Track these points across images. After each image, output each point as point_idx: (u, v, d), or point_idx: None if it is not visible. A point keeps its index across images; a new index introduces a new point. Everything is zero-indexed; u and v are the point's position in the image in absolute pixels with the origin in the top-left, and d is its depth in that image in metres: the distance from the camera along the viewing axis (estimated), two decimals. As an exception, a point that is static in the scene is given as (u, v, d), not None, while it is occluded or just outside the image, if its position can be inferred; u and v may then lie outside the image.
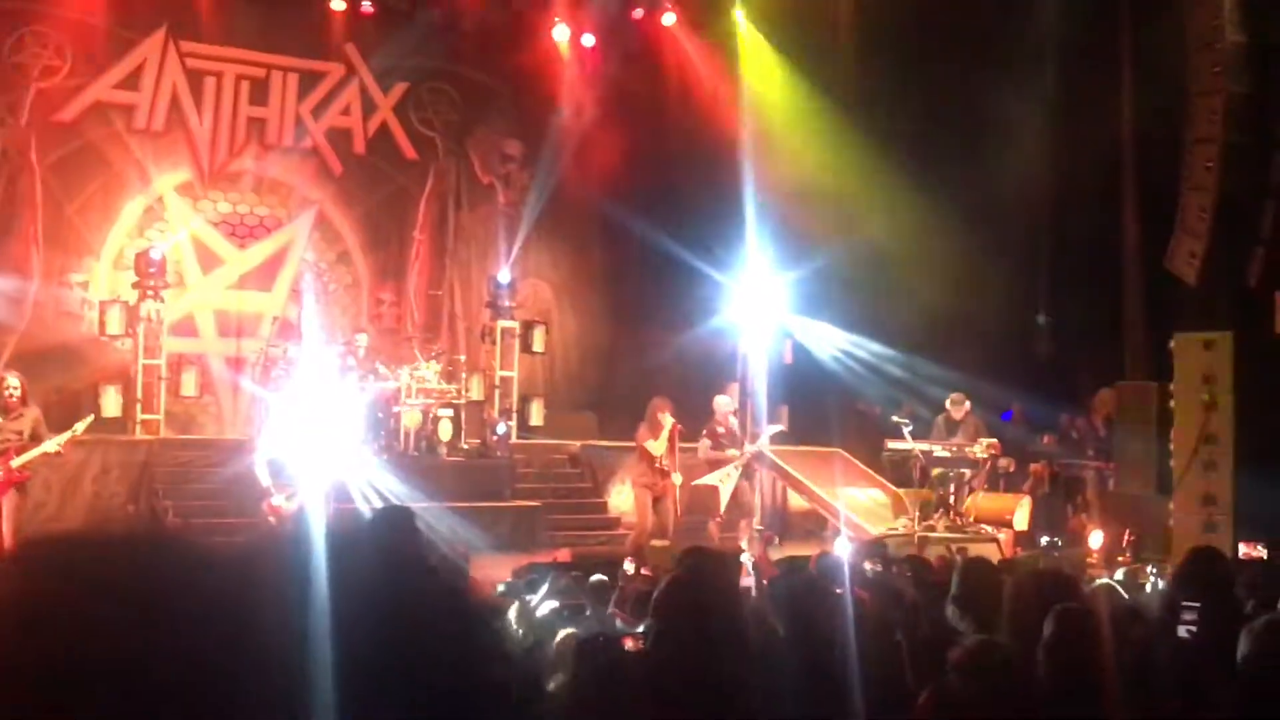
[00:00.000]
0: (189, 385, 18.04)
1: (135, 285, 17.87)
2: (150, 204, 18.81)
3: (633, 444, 15.50)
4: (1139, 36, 19.07)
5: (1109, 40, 19.49)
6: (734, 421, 16.14)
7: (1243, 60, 15.05)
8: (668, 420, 14.85)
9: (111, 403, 17.01)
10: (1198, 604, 6.13)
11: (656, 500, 14.88)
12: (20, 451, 12.26)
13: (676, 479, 14.99)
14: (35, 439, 12.38)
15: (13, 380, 12.48)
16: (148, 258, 17.86)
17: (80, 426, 12.86)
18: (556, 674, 5.86)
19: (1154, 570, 10.96)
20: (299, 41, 19.54)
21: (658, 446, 14.81)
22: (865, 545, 9.69)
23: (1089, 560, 14.56)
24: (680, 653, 4.58)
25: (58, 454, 12.69)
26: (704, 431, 15.86)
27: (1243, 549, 9.37)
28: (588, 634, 5.81)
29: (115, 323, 17.36)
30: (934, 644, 5.91)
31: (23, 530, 12.19)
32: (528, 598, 9.06)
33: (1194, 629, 6.06)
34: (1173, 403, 15.71)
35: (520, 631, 8.34)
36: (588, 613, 7.83)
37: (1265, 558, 9.18)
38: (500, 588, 9.64)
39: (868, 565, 7.73)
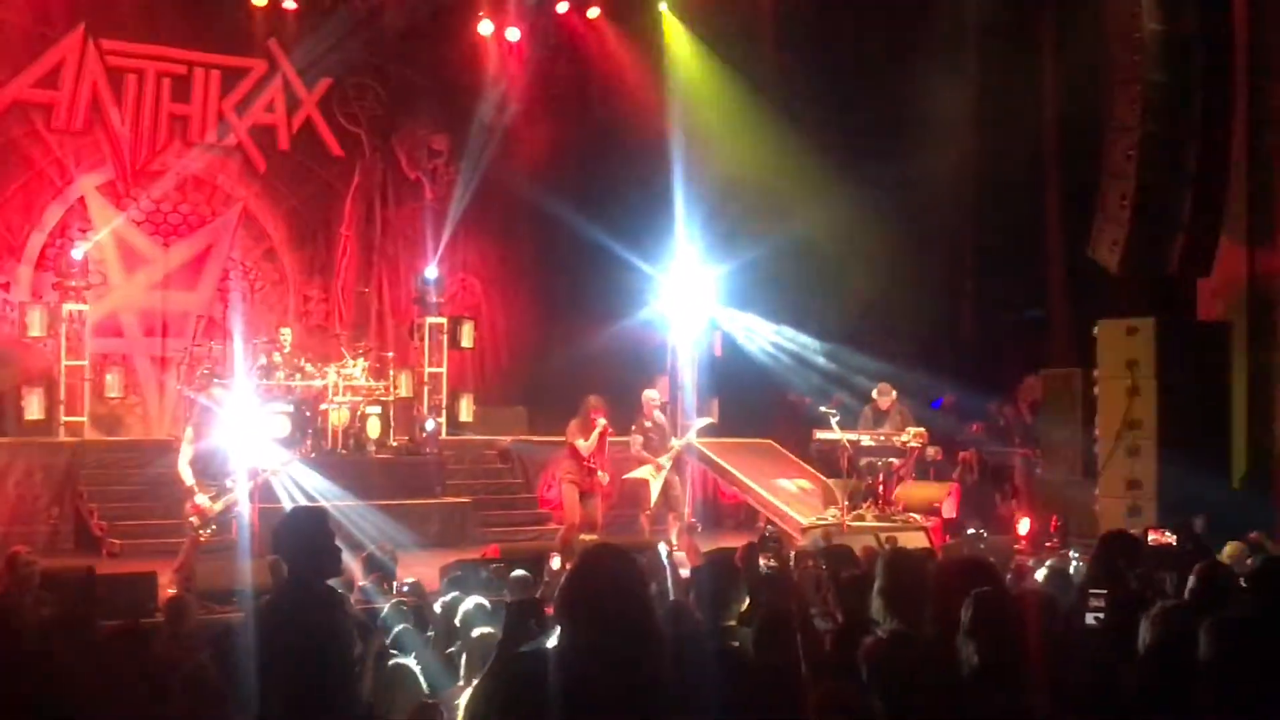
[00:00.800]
0: (114, 386, 17.85)
1: (57, 286, 17.64)
2: (72, 203, 18.56)
3: (563, 438, 15.48)
4: (1060, 24, 19.28)
5: (1031, 27, 19.69)
6: (660, 416, 16.15)
7: (1161, 49, 15.20)
8: (600, 422, 14.89)
9: (35, 405, 16.81)
10: (1104, 591, 6.22)
11: (584, 495, 14.90)
12: None
13: (603, 477, 15.03)
14: None
15: None
16: (69, 258, 17.65)
17: None
18: (474, 673, 5.85)
19: (1076, 555, 11.08)
20: (221, 37, 19.35)
21: (586, 446, 14.84)
22: (757, 543, 9.70)
23: (1017, 547, 14.69)
24: (585, 651, 4.56)
25: None
26: (633, 426, 15.86)
27: (1151, 535, 9.48)
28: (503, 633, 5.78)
29: (37, 324, 17.13)
30: (845, 637, 5.94)
31: None
32: (453, 595, 9.04)
33: (1100, 616, 6.14)
34: (1097, 389, 15.88)
35: (434, 632, 8.31)
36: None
37: (1174, 543, 9.28)
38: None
39: (762, 562, 7.73)
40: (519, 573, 9.60)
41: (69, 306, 17.34)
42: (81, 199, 18.65)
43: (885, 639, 4.98)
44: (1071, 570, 9.51)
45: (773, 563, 9.24)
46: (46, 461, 15.80)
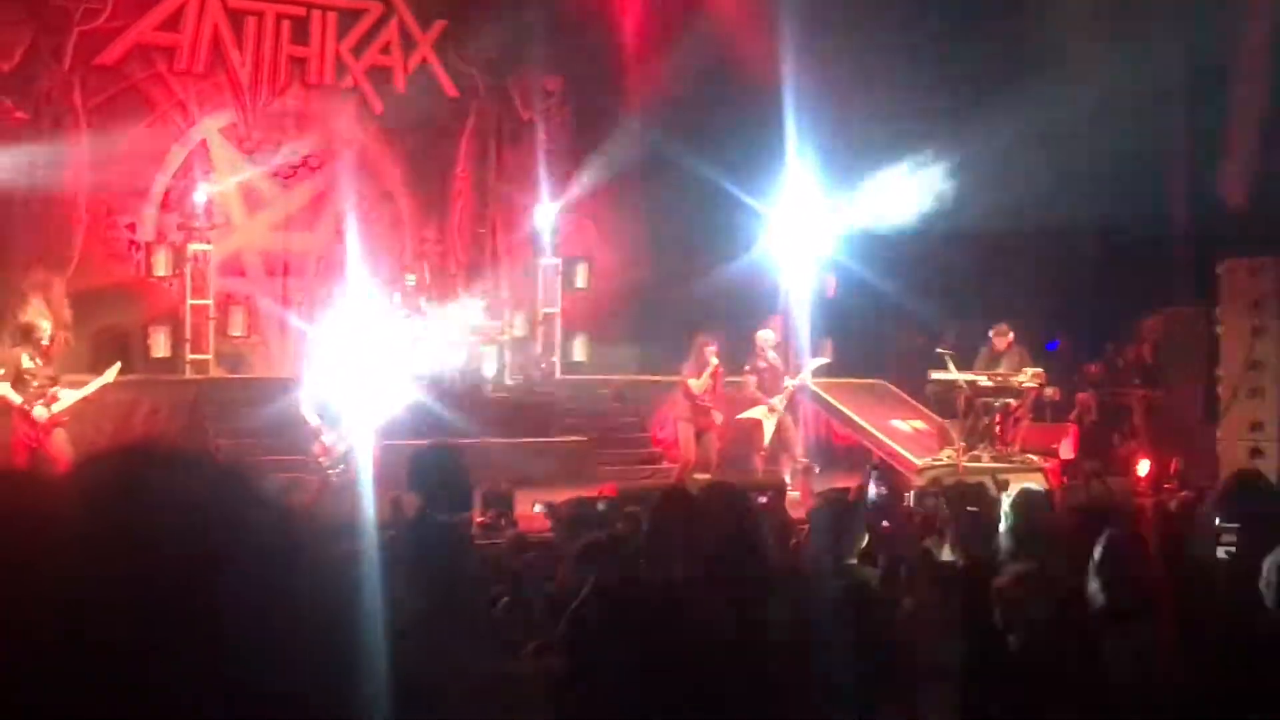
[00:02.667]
0: (237, 325, 18.17)
1: (181, 226, 17.96)
2: (195, 145, 18.86)
3: (677, 378, 15.54)
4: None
5: None
6: (774, 356, 16.13)
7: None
8: (712, 359, 14.88)
9: (160, 343, 17.19)
10: (1235, 526, 6.16)
11: (699, 435, 14.96)
12: (54, 399, 12.55)
13: (717, 417, 15.05)
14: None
15: (45, 325, 12.66)
16: (193, 199, 17.95)
17: (111, 374, 13.11)
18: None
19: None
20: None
21: (699, 385, 14.86)
22: (867, 475, 9.72)
23: (1136, 489, 14.55)
24: (692, 589, 4.63)
25: (90, 398, 12.96)
26: (746, 366, 15.88)
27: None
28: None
29: (162, 264, 17.49)
30: (971, 574, 5.93)
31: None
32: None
33: (1233, 550, 6.09)
34: (1220, 329, 15.62)
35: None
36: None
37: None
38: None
39: (873, 489, 7.72)
40: (631, 509, 9.68)
41: (193, 247, 17.66)
42: (204, 141, 18.93)
43: (1019, 577, 4.98)
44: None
45: (884, 490, 9.25)
46: (173, 398, 16.16)
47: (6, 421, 12.79)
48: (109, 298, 17.63)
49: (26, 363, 12.55)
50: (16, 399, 12.49)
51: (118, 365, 13.72)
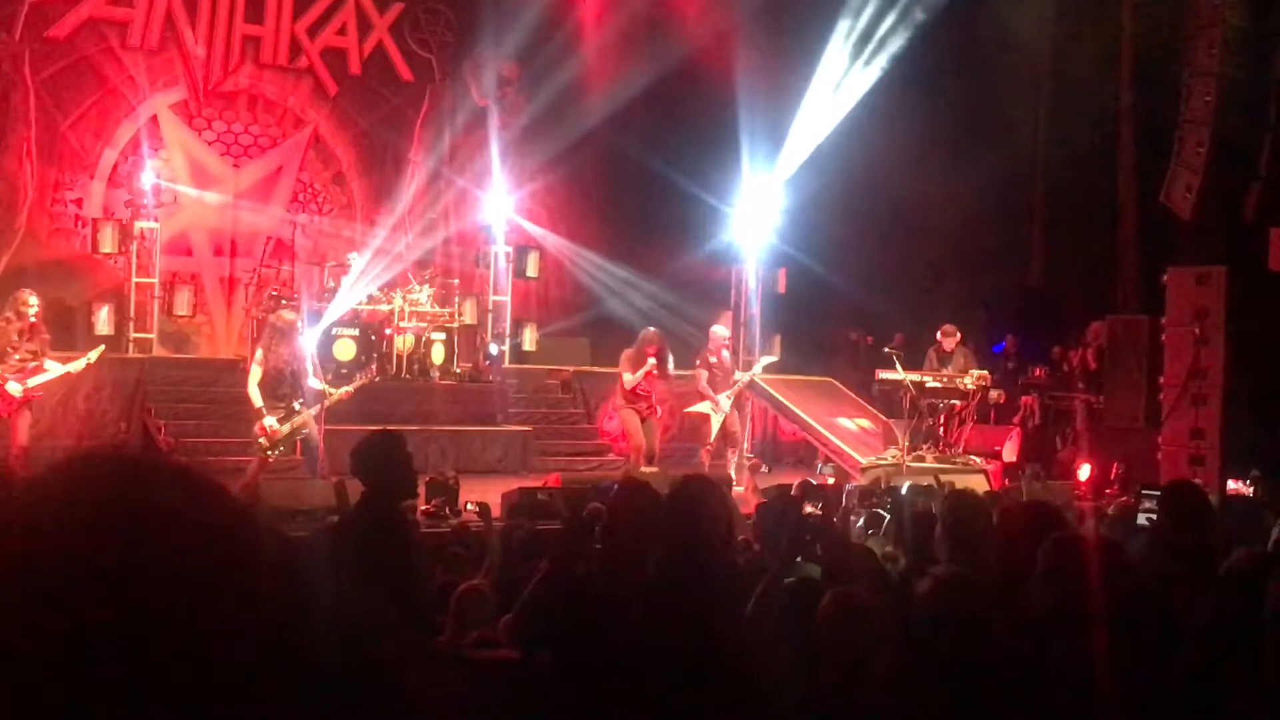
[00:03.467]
0: (182, 304, 18.02)
1: (128, 203, 17.80)
2: (145, 122, 18.69)
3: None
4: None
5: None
6: (727, 354, 16.17)
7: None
8: (650, 361, 14.90)
9: (104, 321, 17.02)
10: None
11: (643, 421, 15.02)
12: (33, 372, 12.41)
13: (658, 409, 15.16)
14: (38, 359, 12.58)
15: (33, 300, 12.56)
16: (141, 175, 17.79)
17: (94, 355, 13.06)
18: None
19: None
20: (295, -42, 19.37)
21: (631, 380, 14.90)
22: (800, 487, 9.69)
23: (1077, 492, 14.66)
24: (676, 583, 4.63)
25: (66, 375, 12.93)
26: (697, 361, 15.91)
27: (1230, 484, 9.41)
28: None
29: (109, 241, 17.30)
30: (908, 578, 5.96)
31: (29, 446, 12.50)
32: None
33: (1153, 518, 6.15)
34: (1164, 336, 15.78)
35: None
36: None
37: (1251, 494, 9.22)
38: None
39: (808, 508, 7.70)
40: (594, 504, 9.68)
41: (140, 224, 17.50)
42: (154, 117, 18.77)
43: (942, 579, 4.99)
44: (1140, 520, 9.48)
45: (819, 510, 9.27)
46: (116, 377, 15.99)
47: None
48: (54, 273, 17.42)
49: (13, 337, 12.45)
50: None
51: (101, 348, 13.68)
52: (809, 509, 8.19)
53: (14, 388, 12.31)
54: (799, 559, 6.17)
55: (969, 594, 4.95)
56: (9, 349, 12.44)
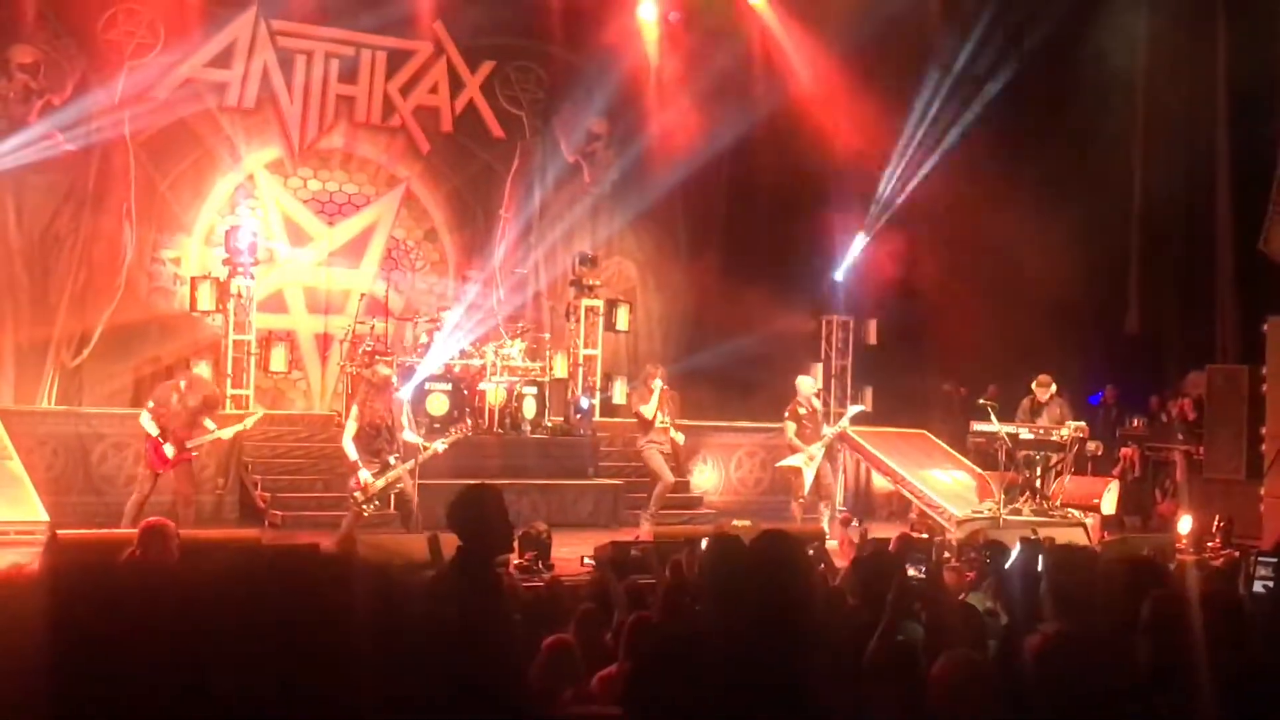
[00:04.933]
0: (278, 361, 18.21)
1: (225, 261, 18.08)
2: (241, 181, 18.99)
3: (719, 422, 15.60)
4: (1235, 12, 18.77)
5: (1206, 14, 19.19)
6: (817, 403, 16.12)
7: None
8: (657, 385, 15.25)
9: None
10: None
11: (668, 456, 15.33)
12: (189, 436, 13.56)
13: (678, 437, 15.68)
14: (199, 415, 13.74)
15: (204, 369, 14.19)
16: (238, 234, 18.07)
17: (250, 421, 13.82)
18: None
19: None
20: (387, 19, 19.57)
21: (649, 409, 15.17)
22: (899, 542, 9.55)
23: (1178, 546, 14.38)
24: (738, 636, 4.57)
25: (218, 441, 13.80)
26: (786, 413, 15.86)
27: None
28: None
29: (206, 298, 17.54)
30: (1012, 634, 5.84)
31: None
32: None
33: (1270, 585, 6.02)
34: (1265, 386, 15.48)
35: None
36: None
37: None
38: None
39: (910, 570, 7.54)
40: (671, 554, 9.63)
41: (236, 282, 17.73)
42: (250, 176, 19.06)
43: (1052, 636, 4.89)
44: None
45: (921, 572, 9.12)
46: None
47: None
48: (152, 331, 17.74)
49: (175, 403, 13.43)
50: (153, 430, 13.40)
51: (260, 413, 14.45)
52: (910, 568, 8.08)
53: (169, 450, 13.27)
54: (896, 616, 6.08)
55: (1080, 651, 4.86)
56: (170, 412, 13.48)
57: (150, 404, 13.81)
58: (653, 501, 15.46)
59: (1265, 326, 15.46)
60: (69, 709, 1.15)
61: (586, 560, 10.71)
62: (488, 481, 7.24)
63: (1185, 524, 15.51)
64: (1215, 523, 15.71)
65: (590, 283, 19.56)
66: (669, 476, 15.51)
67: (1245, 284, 18.56)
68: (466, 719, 1.33)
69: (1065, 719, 4.91)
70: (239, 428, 13.68)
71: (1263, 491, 15.39)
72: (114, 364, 17.66)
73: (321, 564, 1.32)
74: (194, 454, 13.68)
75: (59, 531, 11.88)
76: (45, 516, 13.10)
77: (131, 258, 18.13)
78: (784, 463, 15.97)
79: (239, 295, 17.71)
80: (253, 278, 17.95)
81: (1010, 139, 19.22)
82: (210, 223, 18.75)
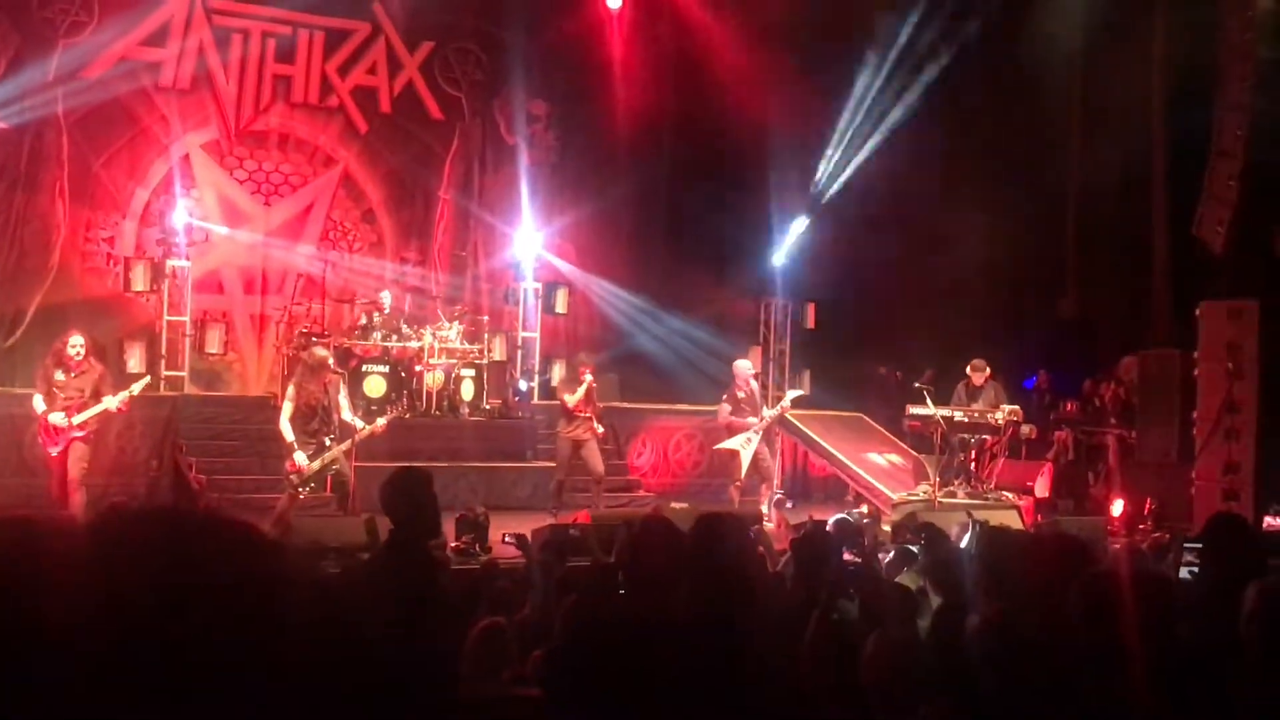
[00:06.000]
0: (214, 342, 18.08)
1: (160, 242, 17.91)
2: (176, 161, 18.81)
3: (658, 405, 15.62)
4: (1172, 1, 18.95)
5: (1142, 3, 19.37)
6: (755, 385, 16.19)
7: (1274, 26, 14.93)
8: (586, 378, 15.61)
9: (137, 359, 17.10)
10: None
11: (579, 445, 15.43)
12: (81, 409, 12.72)
13: (598, 427, 15.77)
14: (96, 397, 12.89)
15: (77, 339, 12.98)
16: (173, 214, 17.90)
17: (137, 387, 13.37)
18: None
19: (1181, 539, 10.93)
20: (326, -1, 19.49)
21: (574, 399, 15.49)
22: (837, 525, 9.61)
23: (1110, 529, 14.55)
24: (703, 620, 4.59)
25: (118, 411, 13.11)
26: (724, 396, 15.91)
27: (1267, 520, 9.29)
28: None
29: (140, 279, 17.40)
30: (944, 616, 5.89)
31: (80, 480, 12.83)
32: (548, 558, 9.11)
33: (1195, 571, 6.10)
34: (1196, 371, 15.67)
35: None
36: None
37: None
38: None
39: (846, 556, 7.59)
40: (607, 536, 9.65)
41: (172, 263, 17.60)
42: (186, 156, 18.89)
43: (993, 620, 4.95)
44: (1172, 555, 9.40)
45: (857, 550, 9.19)
46: (147, 415, 16.04)
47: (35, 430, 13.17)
48: (86, 311, 17.51)
49: (59, 376, 12.83)
50: (40, 407, 12.82)
51: (146, 379, 14.05)
52: (849, 556, 8.14)
53: (57, 418, 12.55)
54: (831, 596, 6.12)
55: (1020, 633, 4.91)
56: (54, 390, 12.70)
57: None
58: (552, 496, 15.62)
59: (1198, 311, 15.65)
60: None
61: (507, 539, 10.71)
62: (420, 464, 7.23)
63: (1117, 507, 15.69)
64: (1147, 505, 15.91)
65: (529, 265, 19.54)
66: (562, 473, 15.68)
67: (1179, 269, 18.76)
68: (402, 701, 1.32)
69: (1003, 699, 4.97)
70: (124, 395, 13.23)
71: (1194, 475, 15.58)
72: (47, 344, 17.34)
73: (256, 541, 1.31)
74: (88, 431, 12.96)
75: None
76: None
77: (65, 237, 17.94)
78: (721, 445, 16.02)
79: (174, 276, 17.58)
80: (188, 258, 17.81)
81: (949, 123, 19.33)
82: (145, 202, 18.57)
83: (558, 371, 19.54)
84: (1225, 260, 15.61)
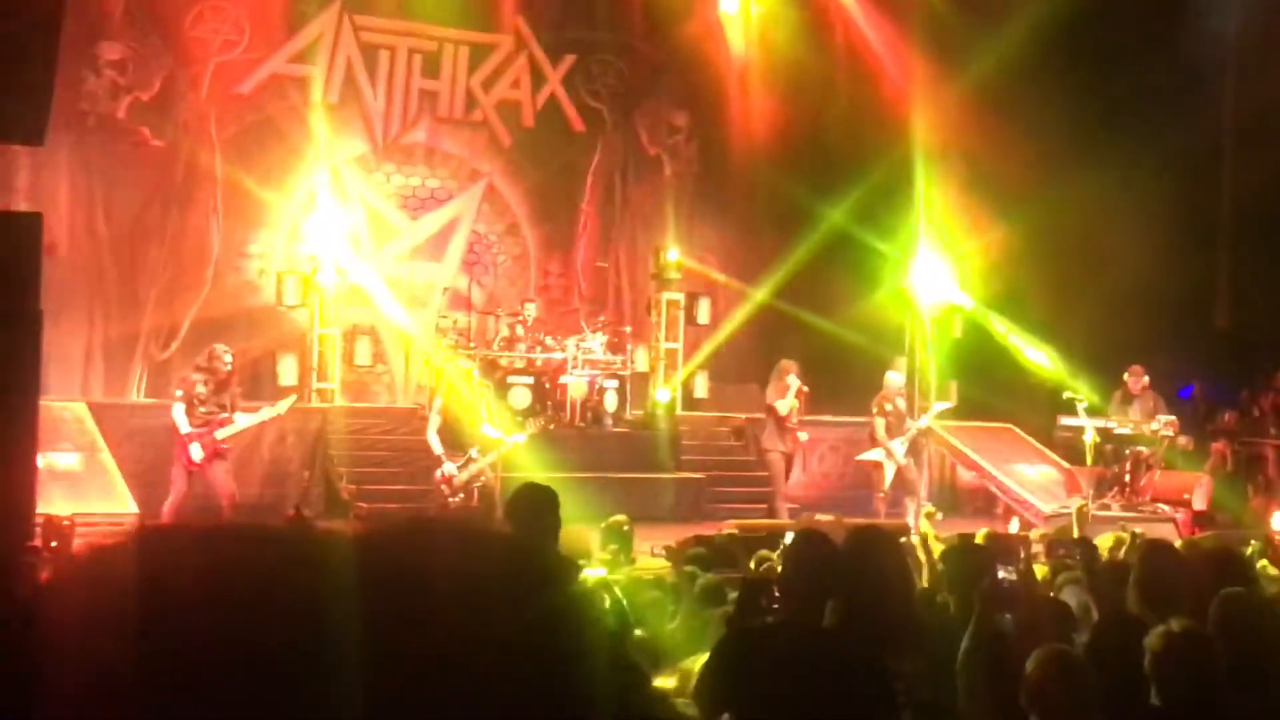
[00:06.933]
0: (363, 354, 18.33)
1: (311, 256, 18.22)
2: (326, 177, 19.11)
3: (802, 417, 15.52)
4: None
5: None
6: (902, 402, 15.99)
7: None
8: (794, 381, 15.05)
9: (288, 371, 17.38)
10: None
11: (789, 461, 15.14)
12: (221, 424, 12.78)
13: (803, 436, 15.19)
14: (232, 410, 13.07)
15: (227, 355, 13.03)
16: (323, 229, 18.20)
17: (284, 406, 13.47)
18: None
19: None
20: (469, 15, 19.68)
21: (786, 405, 15.06)
22: (988, 538, 9.37)
23: (1271, 541, 14.11)
24: (852, 635, 4.51)
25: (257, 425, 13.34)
26: (874, 408, 15.73)
27: None
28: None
29: (292, 293, 17.70)
30: (1107, 629, 5.73)
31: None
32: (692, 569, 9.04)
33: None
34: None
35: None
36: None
37: None
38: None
39: (1001, 574, 7.38)
40: (763, 552, 9.57)
41: (321, 277, 17.87)
42: (335, 172, 19.18)
43: (1177, 633, 4.79)
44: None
45: (1012, 575, 8.96)
46: (299, 426, 16.31)
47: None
48: (239, 325, 17.89)
49: (200, 389, 12.90)
50: (185, 426, 12.81)
51: (292, 399, 14.19)
52: (1003, 574, 7.94)
53: (195, 451, 12.65)
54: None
55: (1202, 648, 4.77)
56: (195, 401, 12.83)
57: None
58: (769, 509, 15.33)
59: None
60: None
61: (656, 551, 10.67)
62: (536, 481, 7.33)
63: (1277, 520, 15.21)
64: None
65: (671, 276, 19.49)
66: (782, 486, 15.46)
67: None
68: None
69: (1174, 714, 4.81)
70: (272, 413, 13.41)
71: (1358, 487, 15.08)
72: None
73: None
74: (227, 446, 13.14)
75: (147, 524, 12.00)
76: (135, 509, 13.28)
77: (218, 252, 18.33)
78: (864, 456, 15.85)
79: (324, 289, 17.84)
80: (338, 273, 18.08)
81: (1100, 130, 18.88)
82: (295, 218, 18.90)
83: (701, 383, 19.46)
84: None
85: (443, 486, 12.51)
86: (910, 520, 14.87)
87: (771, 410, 15.47)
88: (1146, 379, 16.02)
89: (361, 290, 19.12)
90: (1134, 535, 10.48)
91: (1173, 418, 15.72)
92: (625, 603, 7.41)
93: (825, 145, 20.39)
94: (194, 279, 18.12)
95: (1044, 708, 4.47)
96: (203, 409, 12.83)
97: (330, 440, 16.48)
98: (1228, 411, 18.53)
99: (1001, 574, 7.58)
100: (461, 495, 12.59)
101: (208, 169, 18.19)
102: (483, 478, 12.62)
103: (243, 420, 13.06)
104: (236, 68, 18.42)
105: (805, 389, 15.47)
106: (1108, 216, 18.53)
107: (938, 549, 9.23)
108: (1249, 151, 19.35)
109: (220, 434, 12.82)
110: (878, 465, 15.55)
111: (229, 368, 13.05)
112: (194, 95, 18.08)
